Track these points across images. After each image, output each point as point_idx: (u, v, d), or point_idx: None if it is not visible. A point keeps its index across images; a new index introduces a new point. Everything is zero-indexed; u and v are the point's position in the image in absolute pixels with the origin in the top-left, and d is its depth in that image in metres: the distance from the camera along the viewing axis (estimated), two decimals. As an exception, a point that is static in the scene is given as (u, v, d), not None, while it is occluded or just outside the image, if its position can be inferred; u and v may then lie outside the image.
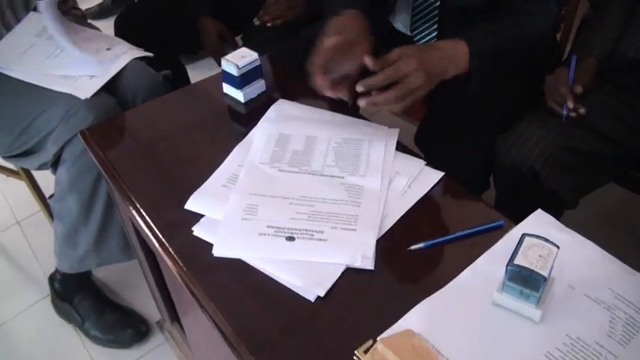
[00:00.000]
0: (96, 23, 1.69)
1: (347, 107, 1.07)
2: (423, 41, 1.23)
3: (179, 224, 0.87)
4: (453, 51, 0.97)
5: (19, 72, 1.31)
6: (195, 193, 0.91)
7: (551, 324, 0.71)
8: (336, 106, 1.07)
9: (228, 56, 1.08)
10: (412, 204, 0.89)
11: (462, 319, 0.72)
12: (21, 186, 1.71)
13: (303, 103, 1.10)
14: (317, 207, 0.88)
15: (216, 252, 0.82)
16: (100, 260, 1.42)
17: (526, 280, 0.69)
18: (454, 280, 0.77)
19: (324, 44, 0.94)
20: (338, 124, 1.03)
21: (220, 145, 1.00)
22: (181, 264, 0.82)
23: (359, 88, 0.92)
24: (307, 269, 0.79)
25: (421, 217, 0.88)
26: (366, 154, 0.97)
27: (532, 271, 0.68)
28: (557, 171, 1.09)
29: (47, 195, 1.60)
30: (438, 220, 0.88)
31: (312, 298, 0.76)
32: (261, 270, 0.80)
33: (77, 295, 1.54)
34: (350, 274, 0.79)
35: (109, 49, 1.33)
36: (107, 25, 1.51)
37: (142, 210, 0.91)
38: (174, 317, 1.34)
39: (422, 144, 1.22)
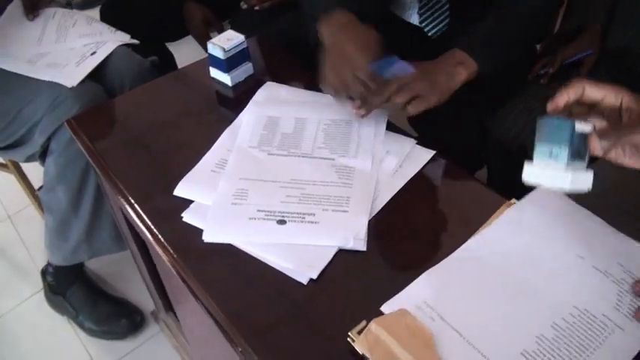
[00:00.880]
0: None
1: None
2: (433, 32, 1.21)
3: (169, 211, 0.87)
4: (455, 59, 0.96)
5: (2, 62, 1.30)
6: (183, 179, 0.90)
7: (558, 294, 0.70)
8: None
9: (215, 39, 1.08)
10: (403, 184, 0.89)
11: (466, 288, 0.72)
12: (10, 180, 1.70)
13: (292, 85, 1.09)
14: (308, 190, 0.88)
15: (207, 237, 0.82)
16: (92, 252, 1.42)
17: (556, 134, 0.61)
18: (457, 251, 0.76)
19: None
20: (327, 105, 1.03)
21: (209, 130, 0.99)
22: (172, 251, 0.82)
23: (360, 113, 0.93)
24: (299, 252, 0.79)
25: (413, 196, 0.87)
26: (357, 135, 0.97)
27: (562, 119, 0.61)
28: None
29: (37, 187, 1.59)
30: (430, 199, 0.88)
31: (304, 281, 0.76)
32: (253, 255, 0.80)
33: (70, 287, 1.54)
34: (343, 255, 0.79)
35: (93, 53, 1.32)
36: (92, 15, 1.48)
37: (130, 198, 0.90)
38: (169, 307, 1.34)
39: (415, 123, 1.22)
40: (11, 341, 1.57)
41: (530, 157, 0.65)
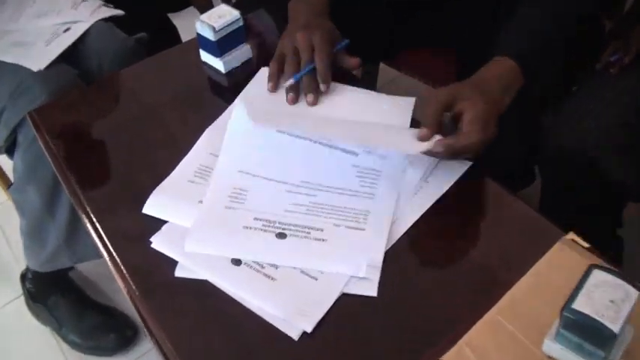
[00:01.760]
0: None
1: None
2: None
3: (136, 232, 0.78)
4: (505, 79, 0.84)
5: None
6: (154, 193, 0.81)
7: None
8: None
9: (203, 16, 0.97)
10: (429, 205, 0.77)
11: None
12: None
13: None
14: (320, 197, 0.78)
15: (180, 272, 0.73)
16: (75, 258, 1.34)
17: (588, 333, 0.55)
18: (494, 309, 0.65)
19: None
20: (339, 94, 0.93)
21: (194, 128, 0.91)
22: (132, 284, 0.74)
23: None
24: (289, 293, 0.69)
25: (439, 223, 0.76)
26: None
27: (596, 321, 0.54)
28: (621, 155, 0.96)
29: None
30: (461, 229, 0.76)
31: (295, 336, 0.66)
32: (232, 295, 0.70)
33: (52, 295, 1.47)
34: (345, 301, 0.68)
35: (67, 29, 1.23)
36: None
37: (90, 213, 0.82)
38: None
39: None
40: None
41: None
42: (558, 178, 1.05)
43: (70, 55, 1.20)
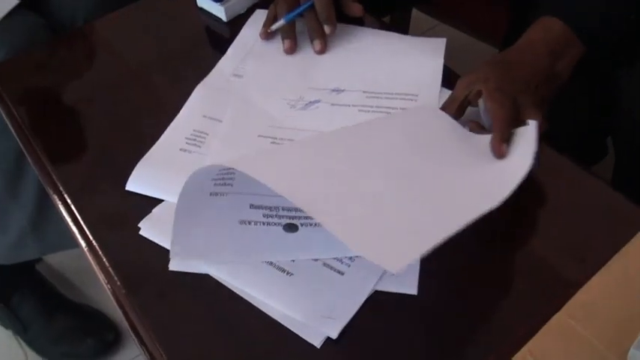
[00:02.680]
0: None
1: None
2: None
3: (120, 217, 0.79)
4: (553, 44, 0.83)
5: None
6: (138, 165, 0.82)
7: None
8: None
9: None
10: None
11: None
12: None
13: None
14: None
15: (174, 265, 0.73)
16: (43, 248, 1.37)
17: None
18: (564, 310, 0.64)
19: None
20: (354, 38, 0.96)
21: (187, 90, 0.92)
22: (115, 277, 0.74)
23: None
24: (309, 288, 0.69)
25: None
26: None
27: None
28: None
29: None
30: (519, 212, 0.75)
31: (317, 343, 0.66)
32: (239, 294, 0.70)
33: (16, 292, 1.50)
34: (380, 299, 0.68)
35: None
36: None
37: (65, 195, 0.83)
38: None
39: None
40: None
41: None
42: (636, 151, 1.05)
43: (36, 1, 1.20)
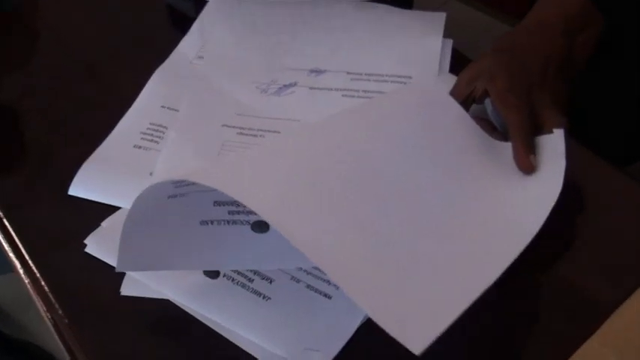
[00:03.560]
0: None
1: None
2: None
3: (62, 233, 0.80)
4: (570, 22, 0.83)
5: None
6: (84, 166, 0.84)
7: None
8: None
9: None
10: None
11: None
12: None
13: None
14: None
15: (125, 290, 0.73)
16: None
17: None
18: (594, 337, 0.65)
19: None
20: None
21: (143, 76, 0.94)
22: (57, 306, 0.75)
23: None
24: (290, 316, 0.69)
25: None
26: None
27: None
28: None
29: None
30: (546, 224, 0.72)
31: None
32: (204, 322, 0.70)
33: None
34: (372, 325, 0.65)
35: None
36: None
37: None
38: None
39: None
40: None
41: None
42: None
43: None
